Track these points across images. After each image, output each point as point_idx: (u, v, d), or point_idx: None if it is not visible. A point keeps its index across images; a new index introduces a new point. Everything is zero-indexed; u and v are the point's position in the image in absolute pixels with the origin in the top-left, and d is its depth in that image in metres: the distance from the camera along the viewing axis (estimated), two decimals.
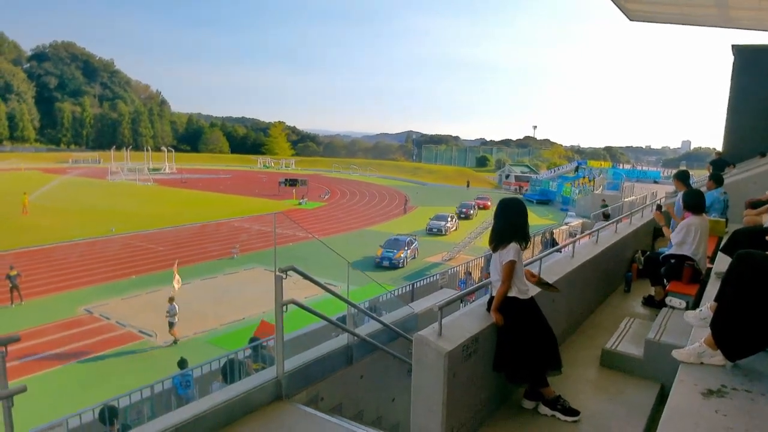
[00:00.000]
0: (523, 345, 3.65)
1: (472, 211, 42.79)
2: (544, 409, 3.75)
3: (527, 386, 3.88)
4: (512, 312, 3.67)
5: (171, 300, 15.71)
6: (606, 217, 18.83)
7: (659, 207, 6.81)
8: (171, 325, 15.65)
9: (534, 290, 3.95)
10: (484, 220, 37.36)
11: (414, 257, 27.40)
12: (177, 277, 18.00)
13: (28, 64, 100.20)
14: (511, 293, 3.66)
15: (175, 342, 15.66)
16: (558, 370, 3.78)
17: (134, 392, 8.06)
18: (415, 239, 28.67)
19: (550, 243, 18.88)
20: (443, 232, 34.75)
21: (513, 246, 3.61)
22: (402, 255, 26.09)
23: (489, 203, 45.62)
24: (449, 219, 36.48)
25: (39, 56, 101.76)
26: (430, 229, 35.09)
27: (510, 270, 3.60)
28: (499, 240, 3.70)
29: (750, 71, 16.71)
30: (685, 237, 5.52)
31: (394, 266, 25.45)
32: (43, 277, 21.80)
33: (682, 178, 7.02)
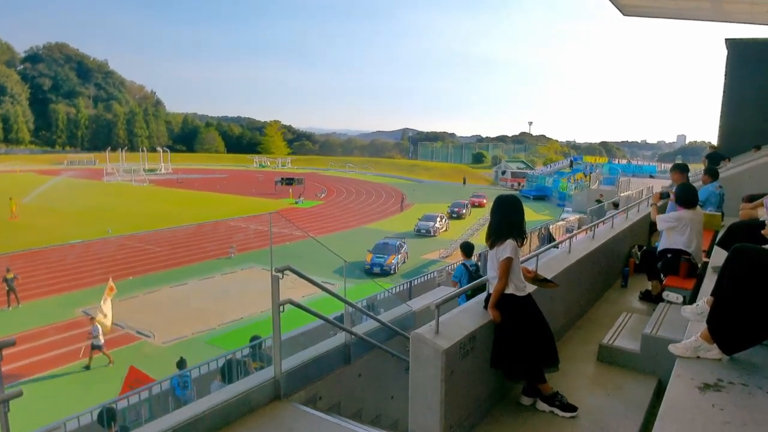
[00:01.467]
0: (520, 342, 3.65)
1: (464, 211, 41.37)
2: (542, 405, 3.76)
3: (525, 383, 3.89)
4: (509, 309, 3.68)
5: (93, 320, 14.20)
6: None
7: (666, 195, 6.81)
8: (93, 347, 14.08)
9: (531, 287, 3.95)
10: (482, 217, 37.31)
11: (404, 261, 25.96)
12: (107, 298, 14.89)
13: (22, 66, 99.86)
14: (508, 290, 3.67)
15: (87, 367, 14.11)
16: (555, 366, 3.78)
17: (132, 394, 8.05)
18: (405, 242, 27.31)
19: (547, 239, 18.90)
20: (432, 233, 33.35)
21: (509, 243, 3.62)
22: (393, 261, 24.55)
23: (485, 201, 44.97)
24: (438, 219, 34.97)
25: (32, 58, 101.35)
26: (418, 230, 33.76)
27: (507, 267, 3.60)
28: (495, 237, 3.70)
29: (743, 65, 16.80)
30: (674, 226, 5.54)
31: (385, 273, 23.83)
32: (40, 280, 21.74)
33: (683, 169, 7.02)
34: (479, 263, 8.46)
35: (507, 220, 3.71)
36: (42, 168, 70.57)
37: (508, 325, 3.67)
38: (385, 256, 24.64)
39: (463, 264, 7.64)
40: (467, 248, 7.91)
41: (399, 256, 25.18)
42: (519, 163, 76.87)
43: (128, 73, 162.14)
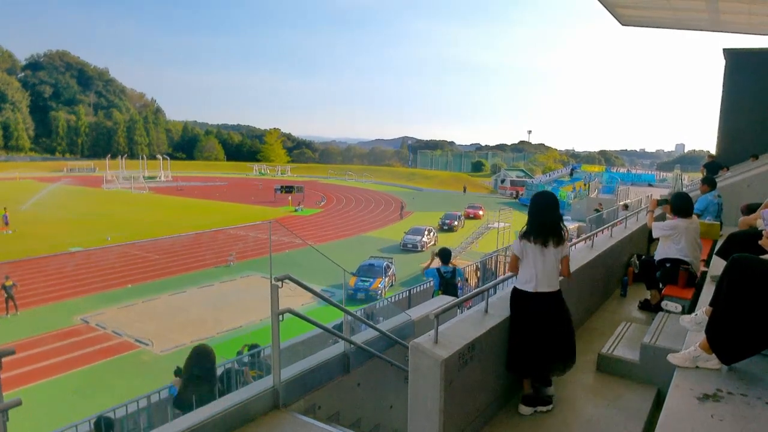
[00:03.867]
0: (522, 337, 3.77)
1: (456, 223, 39.23)
2: (524, 409, 3.85)
3: (523, 393, 3.89)
4: (513, 303, 3.85)
5: None
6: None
7: (664, 202, 6.87)
8: None
9: (553, 286, 3.85)
10: (481, 225, 37.16)
11: (392, 284, 23.05)
12: None
13: (23, 74, 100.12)
14: (516, 283, 3.82)
15: None
16: (560, 369, 3.87)
17: (131, 402, 8.00)
18: (392, 263, 24.73)
19: None
20: (419, 248, 30.93)
21: (515, 241, 3.82)
22: (380, 284, 21.97)
23: (481, 213, 43.88)
24: (426, 233, 32.80)
25: (33, 65, 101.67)
26: (404, 244, 31.49)
27: (511, 262, 3.81)
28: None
29: (741, 74, 16.86)
30: (668, 235, 5.56)
31: (371, 298, 20.39)
32: (39, 287, 21.69)
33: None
34: (458, 268, 8.59)
35: (530, 219, 3.82)
36: (42, 175, 70.52)
37: (512, 318, 3.84)
38: (371, 280, 22.13)
39: (437, 269, 7.79)
40: (443, 254, 8.18)
41: (386, 279, 22.76)
42: (518, 171, 76.92)
43: (129, 81, 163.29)
